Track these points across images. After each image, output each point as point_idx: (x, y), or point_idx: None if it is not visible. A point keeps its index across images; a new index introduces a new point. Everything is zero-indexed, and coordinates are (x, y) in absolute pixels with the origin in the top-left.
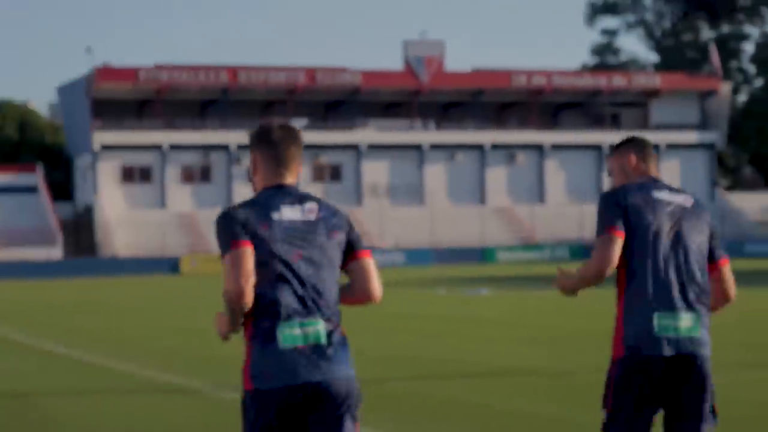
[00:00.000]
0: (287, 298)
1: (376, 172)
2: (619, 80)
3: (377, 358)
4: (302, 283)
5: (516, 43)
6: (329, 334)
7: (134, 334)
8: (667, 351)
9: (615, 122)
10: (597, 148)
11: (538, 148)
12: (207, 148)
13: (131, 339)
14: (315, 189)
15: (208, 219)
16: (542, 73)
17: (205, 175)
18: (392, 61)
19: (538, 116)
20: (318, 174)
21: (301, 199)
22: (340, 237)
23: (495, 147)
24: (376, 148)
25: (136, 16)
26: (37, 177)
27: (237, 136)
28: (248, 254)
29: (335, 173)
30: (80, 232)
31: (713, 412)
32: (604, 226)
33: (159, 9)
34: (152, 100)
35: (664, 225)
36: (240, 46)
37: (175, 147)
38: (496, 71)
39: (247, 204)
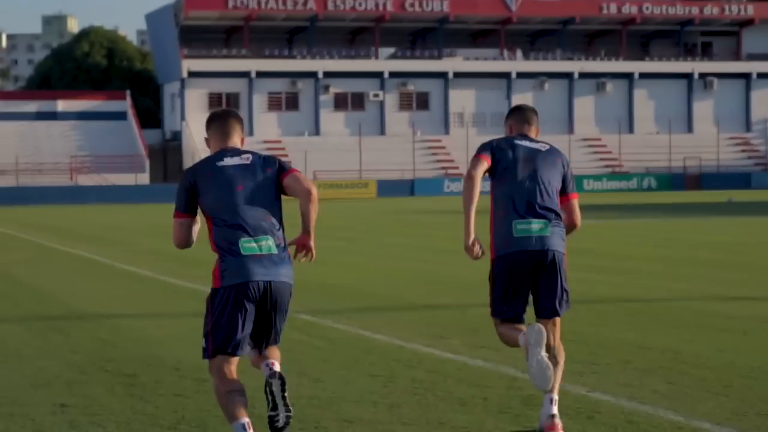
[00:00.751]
0: (243, 222)
1: (463, 100)
2: (711, 9)
3: (462, 284)
4: (249, 208)
5: None
6: (277, 247)
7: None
8: (524, 247)
9: (706, 52)
10: (687, 77)
11: (627, 77)
12: (294, 76)
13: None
14: (402, 117)
15: (294, 146)
16: (633, 2)
17: (292, 102)
18: None
19: (628, 45)
20: (405, 102)
21: (240, 153)
22: (271, 171)
23: (583, 76)
24: (464, 77)
25: None
26: (126, 104)
27: (324, 64)
28: (182, 225)
29: (422, 101)
30: (167, 158)
31: (567, 297)
32: (476, 154)
33: None
34: (240, 27)
35: (520, 162)
36: None
37: (262, 74)
38: None
39: (200, 161)
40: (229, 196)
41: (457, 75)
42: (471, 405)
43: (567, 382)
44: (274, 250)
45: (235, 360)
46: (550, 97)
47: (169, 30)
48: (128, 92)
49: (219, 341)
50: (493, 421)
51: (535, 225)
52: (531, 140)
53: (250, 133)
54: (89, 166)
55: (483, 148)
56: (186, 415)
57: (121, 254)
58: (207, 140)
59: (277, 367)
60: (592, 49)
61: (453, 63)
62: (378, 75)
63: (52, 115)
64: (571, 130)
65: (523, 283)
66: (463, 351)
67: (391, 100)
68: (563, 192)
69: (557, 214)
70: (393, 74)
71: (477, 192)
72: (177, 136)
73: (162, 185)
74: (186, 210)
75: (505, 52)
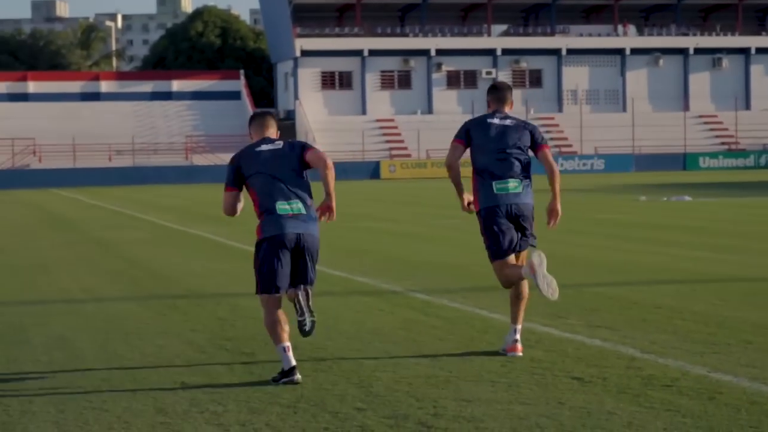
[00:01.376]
0: (277, 191)
1: (576, 77)
2: None
3: (576, 263)
4: (282, 181)
5: None
6: (306, 208)
7: (330, 239)
8: (503, 201)
9: None
10: None
11: (744, 53)
12: (406, 54)
13: (329, 243)
14: (514, 94)
15: (407, 125)
16: None
17: (404, 81)
18: None
19: (744, 20)
20: (518, 79)
21: (273, 141)
22: (296, 152)
23: (698, 51)
24: (577, 53)
25: None
26: (239, 83)
27: (437, 41)
28: (230, 196)
29: (535, 79)
30: (282, 137)
31: (533, 235)
32: (454, 138)
33: None
34: (352, 5)
35: (493, 136)
36: None
37: (374, 53)
38: None
39: (245, 147)
40: (266, 173)
41: (570, 51)
42: (590, 385)
43: (687, 362)
44: (303, 211)
45: (277, 296)
46: (664, 74)
47: (282, 9)
48: (242, 72)
49: (263, 284)
50: (612, 402)
51: (512, 184)
52: (503, 117)
53: (363, 112)
54: (204, 146)
55: (458, 134)
56: (305, 394)
57: (236, 233)
58: (250, 134)
59: (302, 287)
60: (707, 24)
61: (566, 40)
62: (490, 52)
63: (167, 95)
64: (686, 107)
65: (508, 226)
66: (581, 330)
67: (503, 77)
68: (534, 147)
69: (527, 176)
70: (505, 51)
71: (458, 174)
72: (290, 115)
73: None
74: (234, 185)
75: (619, 28)
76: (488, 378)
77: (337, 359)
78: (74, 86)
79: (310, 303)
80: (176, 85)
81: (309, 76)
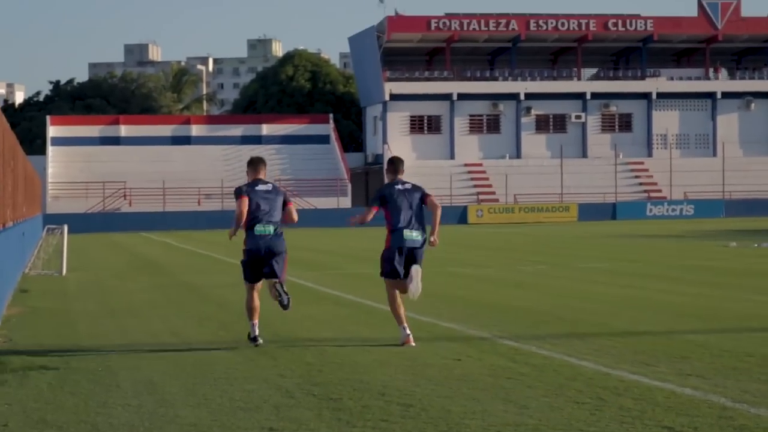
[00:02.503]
0: (259, 216)
1: (666, 121)
2: None
3: (665, 309)
4: (266, 212)
5: None
6: (276, 232)
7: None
8: (407, 245)
9: None
10: None
11: None
12: (496, 98)
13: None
14: (603, 139)
15: (495, 169)
16: None
17: (493, 124)
18: (686, 8)
19: None
20: (608, 123)
21: (265, 183)
22: (281, 197)
23: None
24: (668, 97)
25: None
26: (329, 127)
27: (526, 85)
28: (244, 202)
29: (625, 123)
30: (369, 182)
31: (419, 264)
32: (369, 206)
33: None
34: (442, 48)
35: (398, 198)
36: None
37: (463, 96)
38: None
39: (246, 183)
40: (260, 204)
41: (660, 95)
42: None
43: None
44: (274, 232)
45: (256, 285)
46: (756, 117)
47: (371, 52)
48: (331, 115)
49: (246, 276)
50: None
51: (415, 234)
52: (403, 183)
53: (451, 156)
54: (292, 190)
55: (373, 200)
56: None
57: (324, 278)
58: (247, 172)
59: (284, 296)
60: None
61: (656, 83)
62: (580, 96)
63: (257, 139)
64: None
65: (403, 260)
66: (671, 378)
67: (593, 121)
68: (423, 201)
69: (421, 225)
70: (595, 95)
71: (369, 217)
72: (379, 159)
73: (364, 209)
74: (242, 197)
75: (710, 72)
76: (577, 426)
77: (425, 406)
78: (165, 130)
79: (284, 288)
80: (266, 129)
81: (398, 119)
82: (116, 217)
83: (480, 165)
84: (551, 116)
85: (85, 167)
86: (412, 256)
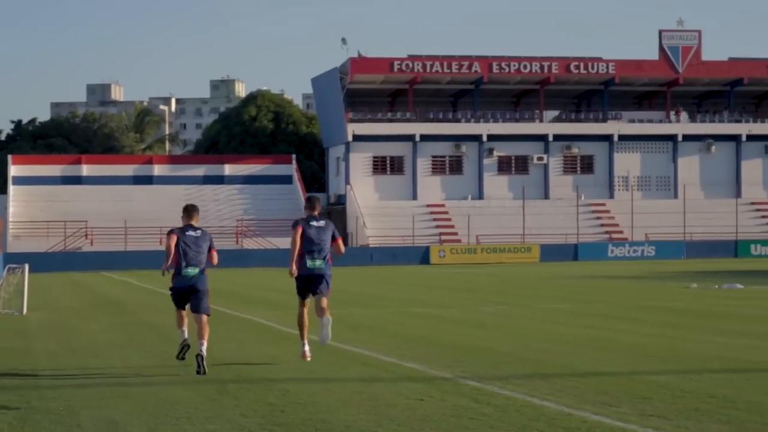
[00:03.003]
0: (186, 260)
1: (628, 163)
2: None
3: (627, 350)
4: (193, 254)
5: None
6: (200, 272)
7: (379, 324)
8: (313, 273)
9: None
10: None
11: None
12: (458, 139)
13: (378, 328)
14: (565, 180)
15: (457, 210)
16: None
17: (455, 166)
18: (648, 51)
19: None
20: (570, 165)
21: (195, 229)
22: (208, 241)
23: (751, 138)
24: (629, 139)
25: (389, 8)
26: (291, 167)
27: (489, 127)
28: (173, 238)
29: (587, 164)
30: (332, 222)
31: (328, 289)
32: (294, 226)
33: (412, 1)
34: (405, 90)
35: (313, 231)
36: (492, 38)
37: (426, 138)
38: (753, 60)
39: (180, 227)
40: (187, 247)
41: (621, 137)
42: None
43: None
44: (198, 273)
45: (182, 311)
46: (716, 160)
47: (334, 94)
48: (294, 156)
49: (175, 304)
50: None
51: (318, 262)
52: (317, 219)
53: (414, 197)
54: (255, 230)
55: (297, 223)
56: None
57: (286, 318)
58: (182, 218)
59: (203, 349)
60: (760, 111)
61: (618, 125)
62: (542, 138)
63: (220, 179)
64: (738, 193)
65: (309, 286)
66: (633, 419)
67: (555, 163)
68: (333, 240)
69: (326, 257)
70: (557, 137)
71: (297, 245)
72: (341, 200)
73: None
74: (174, 237)
75: (671, 115)
76: None
77: None
78: (127, 169)
79: (204, 358)
80: (228, 169)
81: (360, 160)
82: (77, 257)
83: (442, 206)
84: (513, 158)
85: (47, 206)
86: (317, 279)
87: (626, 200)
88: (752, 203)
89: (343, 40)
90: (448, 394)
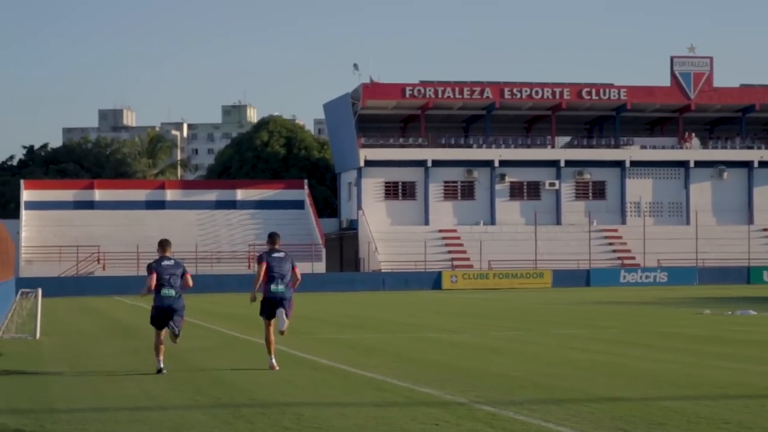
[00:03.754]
0: (164, 284)
1: (640, 189)
2: None
3: (641, 376)
4: (169, 278)
5: None
6: (177, 294)
7: (393, 349)
8: (275, 296)
9: None
10: None
11: None
12: (470, 165)
13: (393, 353)
14: (577, 206)
15: (469, 236)
16: None
17: (467, 191)
18: (659, 78)
19: None
20: (581, 191)
21: (171, 259)
22: (182, 268)
23: (763, 164)
24: (641, 165)
25: (401, 34)
26: (303, 192)
27: (501, 153)
28: (153, 277)
29: (599, 190)
30: (344, 247)
31: (287, 315)
32: (258, 262)
33: (424, 27)
34: (417, 116)
35: (275, 261)
36: (503, 64)
37: (438, 163)
38: (765, 87)
39: (156, 259)
40: (163, 275)
41: (633, 164)
42: None
43: None
44: (175, 295)
45: (160, 331)
46: (728, 186)
47: (346, 119)
48: (306, 181)
49: (154, 324)
50: None
51: (280, 286)
52: (278, 251)
53: (426, 222)
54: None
55: (261, 258)
56: None
57: (299, 342)
58: (157, 250)
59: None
60: None
61: (630, 152)
62: (554, 164)
63: (232, 204)
64: (750, 220)
65: (273, 308)
66: None
67: (567, 189)
68: (292, 268)
69: (287, 283)
70: (569, 163)
71: (261, 277)
72: (353, 225)
73: (338, 274)
74: (153, 272)
75: (683, 141)
76: None
77: None
78: (139, 194)
79: (178, 329)
80: (240, 194)
81: (372, 185)
82: (90, 281)
83: (454, 231)
84: (525, 183)
85: (59, 231)
86: (279, 302)
87: (638, 226)
88: (765, 229)
89: (355, 66)
90: (463, 419)
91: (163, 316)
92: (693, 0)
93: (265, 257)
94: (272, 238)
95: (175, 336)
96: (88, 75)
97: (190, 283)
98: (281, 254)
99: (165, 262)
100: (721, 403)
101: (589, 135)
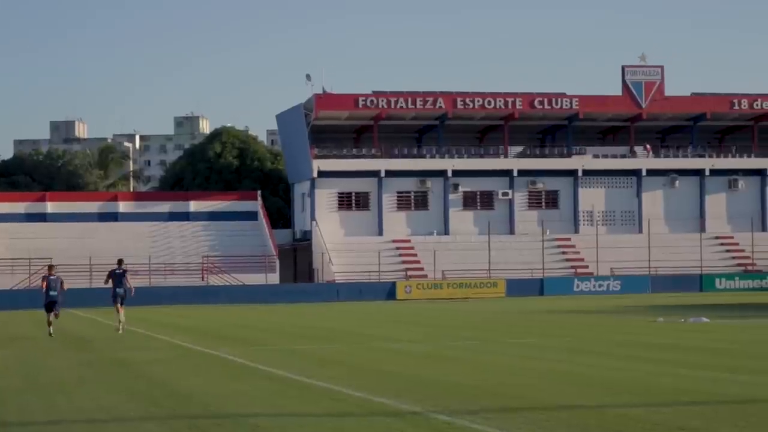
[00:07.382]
0: (50, 288)
1: (592, 198)
2: None
3: (597, 384)
4: (52, 287)
5: (736, 67)
6: (56, 294)
7: (347, 360)
8: (118, 295)
9: None
10: None
11: (760, 174)
12: (423, 175)
13: (347, 364)
14: (530, 215)
15: (423, 245)
16: (765, 98)
17: (421, 201)
18: (611, 87)
19: (760, 141)
20: (534, 200)
21: (54, 275)
22: (59, 281)
23: (714, 172)
24: (593, 174)
25: (354, 45)
26: (257, 204)
27: (454, 162)
28: (44, 284)
29: (551, 199)
30: (297, 258)
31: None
32: (107, 276)
33: (377, 37)
34: (370, 126)
35: (117, 276)
36: (456, 74)
37: (391, 173)
38: (716, 96)
39: (43, 276)
40: (50, 284)
41: (586, 173)
42: None
43: None
44: (56, 295)
45: (49, 313)
46: (680, 194)
47: (299, 130)
48: (259, 192)
49: (45, 308)
50: None
51: (120, 291)
52: (120, 268)
53: (379, 232)
54: (220, 266)
55: (110, 274)
56: None
57: (254, 353)
58: (48, 269)
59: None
60: (723, 145)
61: (582, 160)
62: (507, 173)
63: (185, 216)
64: (702, 228)
65: (121, 301)
66: None
67: (520, 198)
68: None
69: (125, 289)
70: (522, 172)
71: (112, 283)
72: (307, 236)
73: (292, 285)
74: (44, 281)
75: (635, 149)
76: None
77: None
78: (92, 206)
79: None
80: (193, 206)
81: (326, 196)
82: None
83: (408, 241)
84: (478, 193)
85: (11, 244)
86: (122, 300)
87: (591, 235)
88: (716, 237)
89: (308, 77)
90: (419, 429)
91: (50, 306)
92: (644, 9)
93: (111, 273)
94: (119, 261)
95: (56, 315)
96: (39, 86)
97: (64, 287)
98: (121, 270)
99: (52, 276)
100: (676, 410)
101: (542, 144)
